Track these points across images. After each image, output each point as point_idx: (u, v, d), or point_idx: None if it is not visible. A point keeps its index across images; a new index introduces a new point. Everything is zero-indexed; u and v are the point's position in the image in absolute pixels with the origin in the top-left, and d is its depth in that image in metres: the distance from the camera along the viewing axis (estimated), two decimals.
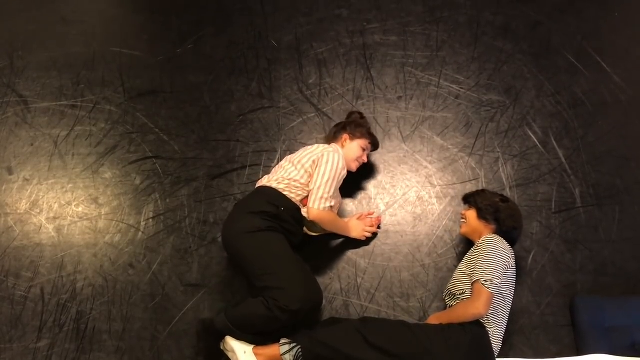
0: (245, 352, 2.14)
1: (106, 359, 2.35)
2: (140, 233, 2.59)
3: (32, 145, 2.84)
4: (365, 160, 2.50)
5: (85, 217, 2.65)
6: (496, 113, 2.77)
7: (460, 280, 2.17)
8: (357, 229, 2.46)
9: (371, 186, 2.64)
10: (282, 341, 2.14)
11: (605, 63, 2.87)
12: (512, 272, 2.15)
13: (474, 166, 2.65)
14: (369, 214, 2.54)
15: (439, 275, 2.43)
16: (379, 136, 2.65)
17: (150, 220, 2.62)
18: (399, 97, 2.83)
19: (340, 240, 2.51)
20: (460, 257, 2.43)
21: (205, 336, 2.19)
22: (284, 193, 2.27)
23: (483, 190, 2.35)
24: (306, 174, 2.30)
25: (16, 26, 3.18)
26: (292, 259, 2.19)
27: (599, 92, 2.80)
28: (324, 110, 2.83)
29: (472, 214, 2.31)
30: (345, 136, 2.48)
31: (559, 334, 2.30)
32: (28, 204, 2.69)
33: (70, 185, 2.73)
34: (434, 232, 2.52)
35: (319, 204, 2.24)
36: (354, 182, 2.57)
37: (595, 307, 2.26)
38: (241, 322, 2.15)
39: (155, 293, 2.46)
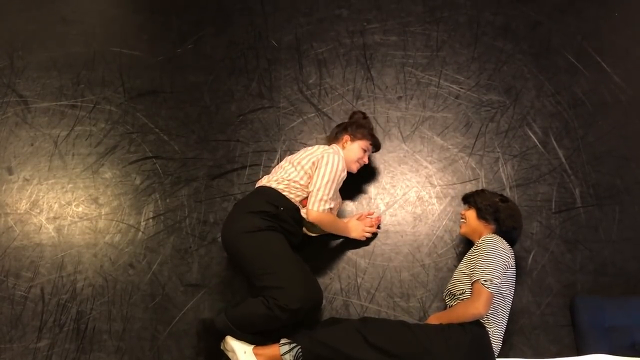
0: (245, 352, 2.14)
1: (106, 359, 2.35)
2: (140, 233, 2.59)
3: (32, 145, 2.84)
4: (366, 161, 2.50)
5: (85, 217, 2.65)
6: (496, 113, 2.77)
7: (460, 280, 2.17)
8: (357, 229, 2.46)
9: (371, 186, 2.64)
10: (282, 341, 2.14)
11: (605, 63, 2.87)
12: (512, 271, 2.15)
13: (474, 166, 2.65)
14: (369, 214, 2.53)
15: (439, 275, 2.43)
16: (379, 136, 2.65)
17: (150, 220, 2.62)
18: (399, 97, 2.83)
19: (340, 240, 2.51)
20: (460, 257, 2.43)
21: (205, 336, 2.19)
22: (284, 193, 2.27)
23: (483, 190, 2.35)
24: (306, 175, 2.30)
25: (16, 26, 3.18)
26: (292, 258, 2.19)
27: (599, 92, 2.80)
28: (324, 110, 2.83)
29: (471, 214, 2.31)
30: (346, 137, 2.47)
31: (559, 334, 2.30)
32: (28, 204, 2.69)
33: (70, 185, 2.73)
34: (434, 232, 2.52)
35: (318, 206, 2.24)
36: (354, 183, 2.57)
37: (595, 307, 2.26)
38: (241, 322, 2.15)
39: (155, 293, 2.46)
